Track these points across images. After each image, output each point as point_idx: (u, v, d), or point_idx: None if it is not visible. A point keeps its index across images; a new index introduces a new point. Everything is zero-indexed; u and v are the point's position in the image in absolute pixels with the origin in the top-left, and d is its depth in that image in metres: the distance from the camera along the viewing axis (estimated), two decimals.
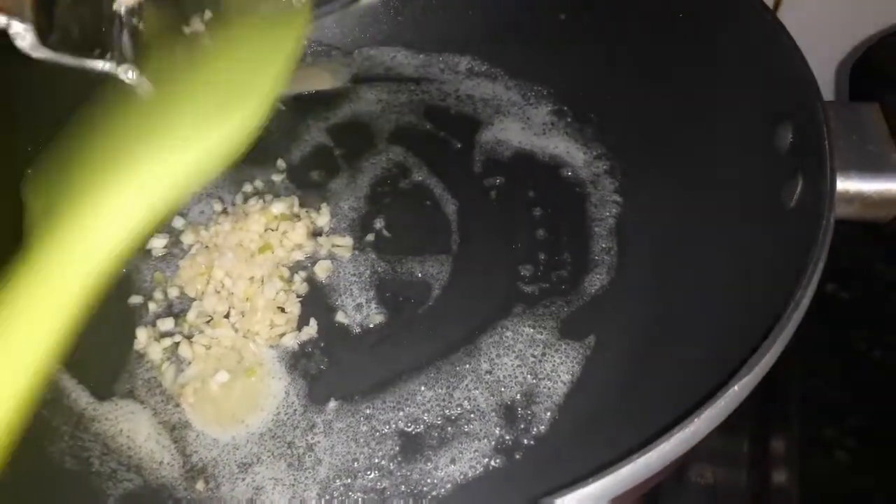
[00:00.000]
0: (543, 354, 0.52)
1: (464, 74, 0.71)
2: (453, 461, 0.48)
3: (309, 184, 0.64)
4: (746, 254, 0.48)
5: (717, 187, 0.54)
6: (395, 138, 0.67)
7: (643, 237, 0.58)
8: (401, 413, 0.50)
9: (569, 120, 0.67)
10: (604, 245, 0.59)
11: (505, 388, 0.51)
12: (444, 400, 0.50)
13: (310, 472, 0.48)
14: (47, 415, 0.48)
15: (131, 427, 0.49)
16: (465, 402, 0.50)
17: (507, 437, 0.49)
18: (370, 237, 0.59)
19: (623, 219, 0.60)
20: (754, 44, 0.50)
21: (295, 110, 0.69)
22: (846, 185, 0.44)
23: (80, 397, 0.50)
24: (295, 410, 0.50)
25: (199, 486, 0.47)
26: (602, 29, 0.64)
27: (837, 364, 0.59)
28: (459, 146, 0.66)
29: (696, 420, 0.32)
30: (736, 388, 0.33)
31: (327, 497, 0.46)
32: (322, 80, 0.71)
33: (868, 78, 0.48)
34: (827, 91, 0.69)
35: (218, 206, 0.61)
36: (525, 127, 0.67)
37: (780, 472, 0.53)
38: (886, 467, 0.55)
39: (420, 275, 0.57)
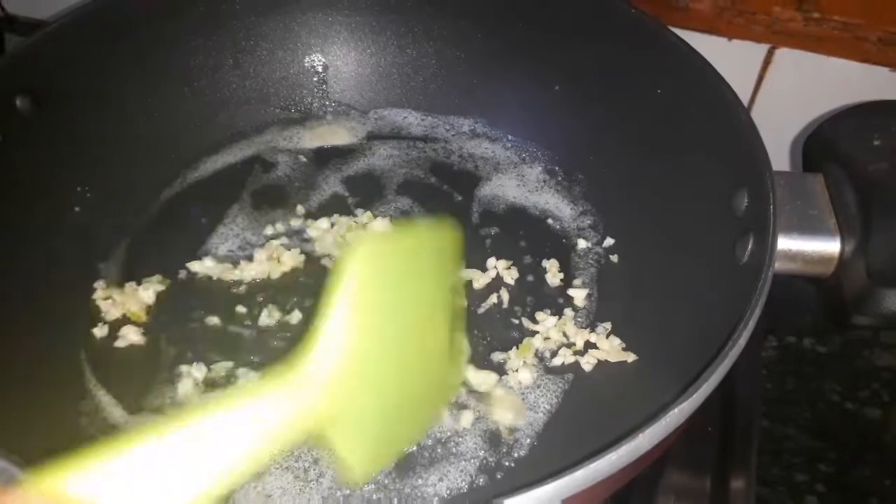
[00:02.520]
0: (527, 387, 0.59)
1: (467, 135, 0.79)
2: (441, 478, 0.54)
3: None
4: (705, 304, 0.55)
5: (686, 244, 0.60)
6: (403, 189, 0.74)
7: (619, 287, 0.65)
8: None
9: (559, 178, 0.75)
10: (584, 290, 0.65)
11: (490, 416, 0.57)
12: (436, 425, 0.56)
13: (314, 484, 0.54)
14: (85, 425, 0.55)
15: None
16: (455, 427, 0.56)
17: (491, 459, 0.55)
18: None
19: (603, 269, 0.67)
20: (721, 122, 0.58)
21: (315, 162, 0.77)
22: (788, 244, 0.50)
23: (114, 411, 0.57)
24: None
25: None
26: (591, 99, 0.72)
27: (811, 413, 0.65)
28: (460, 198, 0.74)
29: (638, 436, 0.38)
30: (675, 410, 0.39)
31: None
32: (340, 136, 0.79)
33: (818, 151, 0.55)
34: (783, 162, 0.77)
35: (242, 246, 0.69)
36: (520, 184, 0.75)
37: None
38: None
39: None
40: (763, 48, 0.75)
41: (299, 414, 0.31)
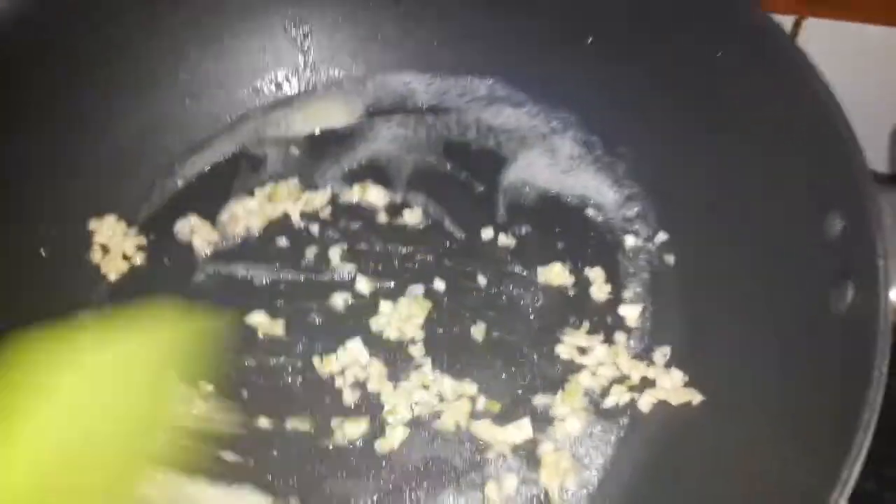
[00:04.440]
0: (576, 438, 0.51)
1: (484, 101, 0.67)
2: None
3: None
4: (792, 344, 0.45)
5: (759, 256, 0.50)
6: (415, 182, 0.63)
7: (678, 299, 0.55)
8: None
9: (598, 153, 0.63)
10: (637, 306, 0.56)
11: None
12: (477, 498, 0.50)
13: None
14: None
15: None
16: (497, 498, 0.50)
17: None
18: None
19: (657, 275, 0.57)
20: (800, 108, 0.45)
21: (308, 154, 0.66)
22: None
23: None
24: None
25: None
26: (632, 55, 0.59)
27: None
28: (482, 189, 0.62)
29: None
30: None
31: None
32: (335, 116, 0.67)
33: None
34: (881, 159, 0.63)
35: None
36: (551, 162, 0.63)
37: None
38: None
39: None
40: (789, 19, 0.63)
41: None
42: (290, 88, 0.68)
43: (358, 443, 0.52)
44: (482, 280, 0.58)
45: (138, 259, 0.60)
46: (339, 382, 0.54)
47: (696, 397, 0.51)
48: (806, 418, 0.41)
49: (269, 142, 0.67)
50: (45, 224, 0.59)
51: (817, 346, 0.43)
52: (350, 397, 0.53)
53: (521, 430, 0.52)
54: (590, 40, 0.61)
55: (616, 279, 0.57)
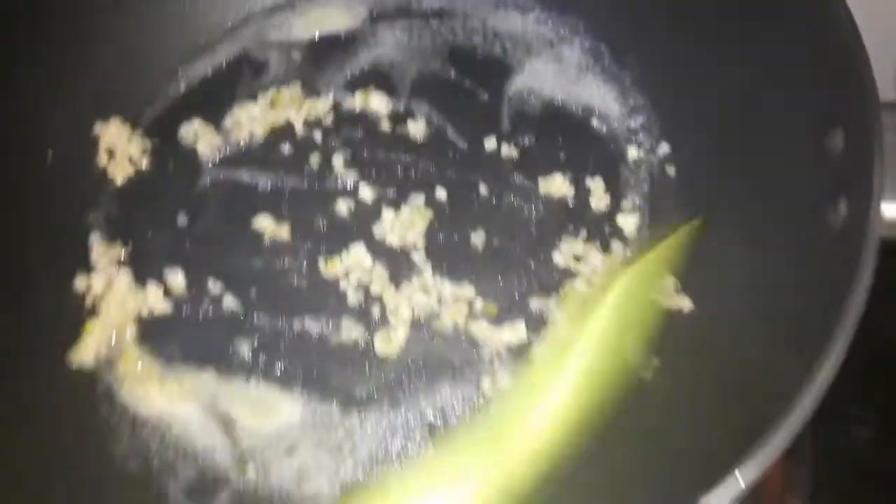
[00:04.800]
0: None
1: (490, 4, 0.66)
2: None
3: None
4: (782, 256, 0.47)
5: (760, 170, 0.50)
6: (418, 90, 0.63)
7: (675, 210, 0.56)
8: (430, 403, 0.52)
9: (606, 63, 0.62)
10: (634, 216, 0.57)
11: None
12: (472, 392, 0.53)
13: (348, 457, 0.52)
14: (106, 413, 0.52)
15: (184, 418, 0.53)
16: (491, 394, 0.52)
17: None
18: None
19: (656, 185, 0.58)
20: (808, 17, 0.45)
21: (311, 58, 0.65)
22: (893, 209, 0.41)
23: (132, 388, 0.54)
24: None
25: (250, 471, 0.51)
26: None
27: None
28: (486, 97, 0.62)
29: None
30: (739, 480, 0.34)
31: (364, 480, 0.51)
32: (337, 20, 0.67)
33: None
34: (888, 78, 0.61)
35: None
36: (558, 71, 0.63)
37: None
38: None
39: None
40: None
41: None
42: None
43: (361, 341, 0.54)
44: (484, 190, 0.59)
45: (144, 163, 0.61)
46: (343, 285, 0.56)
47: (686, 304, 0.52)
48: (793, 321, 0.42)
49: (271, 46, 0.66)
50: (50, 127, 0.59)
51: (808, 257, 0.44)
52: (354, 298, 0.55)
53: (515, 331, 0.54)
54: None
55: (616, 190, 0.58)
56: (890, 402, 0.60)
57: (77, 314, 0.55)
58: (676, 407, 0.47)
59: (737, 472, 0.34)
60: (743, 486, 0.34)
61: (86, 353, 0.54)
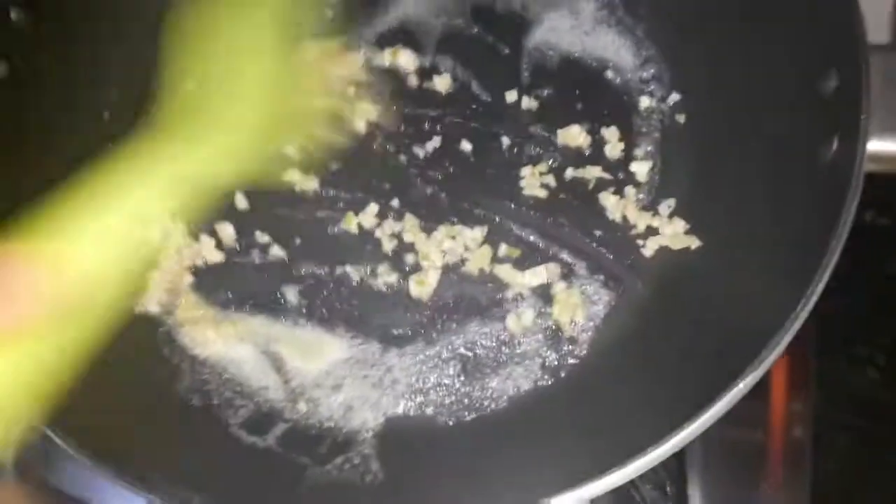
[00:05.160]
0: (584, 282, 0.58)
1: None
2: (507, 378, 0.57)
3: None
4: (781, 194, 0.51)
5: (763, 118, 0.54)
6: (444, 46, 0.67)
7: (685, 155, 0.60)
8: (461, 339, 0.58)
9: (620, 15, 0.65)
10: (647, 163, 0.61)
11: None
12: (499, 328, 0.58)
13: (389, 390, 0.57)
14: (168, 354, 0.59)
15: (239, 359, 0.59)
16: (516, 328, 0.57)
17: (553, 357, 0.57)
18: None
19: (667, 133, 0.61)
20: None
21: (342, 14, 0.69)
22: (880, 146, 0.44)
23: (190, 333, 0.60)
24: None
25: (301, 406, 0.57)
26: None
27: (869, 288, 0.62)
28: (507, 52, 0.66)
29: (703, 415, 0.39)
30: (741, 384, 0.39)
31: (405, 412, 0.57)
32: None
33: None
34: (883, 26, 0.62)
35: None
36: (574, 24, 0.66)
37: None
38: None
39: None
40: None
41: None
42: None
43: (396, 285, 0.59)
44: (506, 141, 0.63)
45: None
46: (378, 233, 0.61)
47: (694, 242, 0.57)
48: (788, 250, 0.46)
49: (304, 3, 0.70)
50: (106, 88, 0.64)
51: (803, 193, 0.48)
52: (388, 246, 0.60)
53: (537, 275, 0.59)
54: None
55: (629, 138, 0.62)
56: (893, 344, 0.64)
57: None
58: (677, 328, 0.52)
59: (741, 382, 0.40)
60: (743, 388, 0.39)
61: (150, 301, 0.59)
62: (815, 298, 0.41)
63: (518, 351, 0.57)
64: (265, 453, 0.54)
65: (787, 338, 0.40)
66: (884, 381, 0.62)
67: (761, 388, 0.58)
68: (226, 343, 0.59)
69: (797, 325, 0.42)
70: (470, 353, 0.57)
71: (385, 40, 0.67)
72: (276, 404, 0.57)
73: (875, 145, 0.44)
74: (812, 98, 0.48)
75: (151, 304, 0.60)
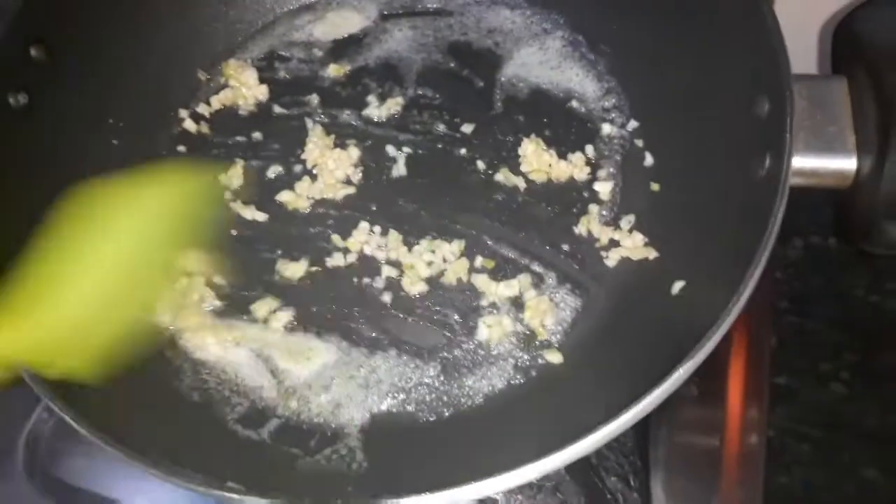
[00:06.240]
0: (553, 290, 0.64)
1: (484, 4, 0.76)
2: (482, 378, 0.62)
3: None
4: (726, 206, 0.57)
5: (709, 140, 0.61)
6: (423, 78, 0.73)
7: (643, 175, 0.66)
8: (442, 340, 0.63)
9: (583, 51, 0.72)
10: (609, 183, 0.67)
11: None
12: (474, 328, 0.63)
13: (374, 390, 0.62)
14: (170, 356, 0.63)
15: (236, 361, 0.63)
16: (492, 334, 0.63)
17: (525, 358, 0.62)
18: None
19: (627, 156, 0.68)
20: (741, 13, 0.55)
21: (330, 54, 0.76)
22: (805, 162, 0.51)
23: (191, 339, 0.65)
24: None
25: (293, 404, 0.62)
26: None
27: (835, 308, 0.68)
28: (482, 84, 0.73)
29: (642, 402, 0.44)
30: (680, 370, 0.44)
31: (388, 409, 0.61)
32: (352, 22, 0.77)
33: (845, 48, 0.52)
34: (811, 52, 0.69)
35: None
36: (542, 60, 0.73)
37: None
38: (877, 397, 0.65)
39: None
40: None
41: None
42: None
43: (383, 294, 0.65)
44: (481, 164, 0.69)
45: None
46: (366, 249, 0.67)
47: (652, 253, 0.63)
48: (727, 260, 0.52)
49: (296, 44, 0.76)
50: (114, 118, 0.70)
51: (743, 205, 0.54)
52: (375, 259, 0.66)
53: (510, 287, 0.64)
54: None
55: (593, 161, 0.68)
56: (860, 361, 0.68)
57: None
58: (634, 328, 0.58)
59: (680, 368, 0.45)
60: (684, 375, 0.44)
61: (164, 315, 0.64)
62: (745, 296, 0.47)
63: (493, 353, 0.62)
64: (260, 445, 0.58)
65: (717, 335, 0.45)
66: (849, 396, 0.66)
67: (719, 395, 0.64)
68: (223, 347, 0.64)
69: (728, 322, 0.47)
70: (449, 356, 0.63)
71: (368, 73, 0.74)
72: (270, 402, 0.62)
73: (799, 161, 0.50)
74: (748, 123, 0.54)
75: (168, 318, 0.64)
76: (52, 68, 0.64)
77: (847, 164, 0.50)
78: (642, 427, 0.63)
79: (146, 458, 0.46)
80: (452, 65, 0.74)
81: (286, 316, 0.64)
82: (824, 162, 0.51)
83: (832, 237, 0.69)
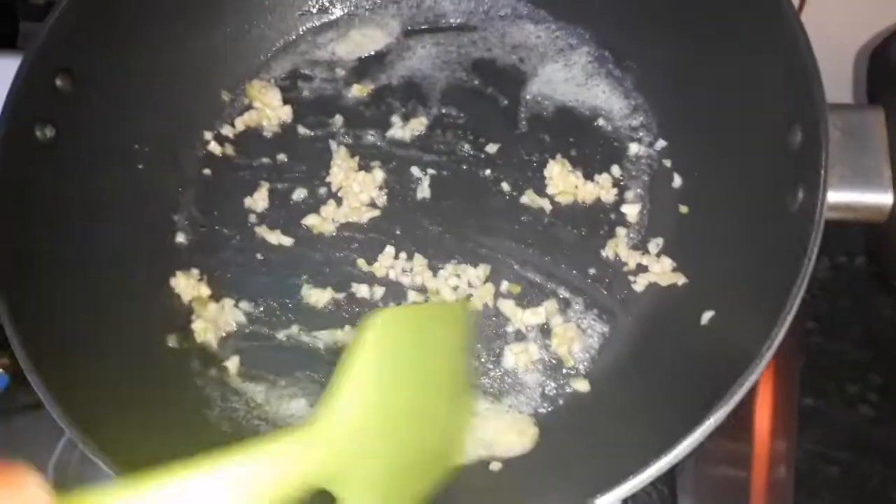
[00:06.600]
0: (580, 316, 0.63)
1: (508, 19, 0.74)
2: (510, 408, 0.61)
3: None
4: (757, 235, 0.56)
5: (740, 164, 0.59)
6: (447, 97, 0.73)
7: (671, 197, 0.65)
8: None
9: (610, 67, 0.71)
10: (637, 205, 0.66)
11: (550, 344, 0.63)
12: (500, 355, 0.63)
13: None
14: (201, 384, 0.64)
15: (264, 391, 0.64)
16: (518, 362, 0.62)
17: (552, 386, 0.61)
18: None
19: (655, 176, 0.66)
20: (774, 39, 0.53)
21: (353, 73, 0.75)
22: (840, 196, 0.49)
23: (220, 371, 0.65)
24: None
25: None
26: None
27: (863, 329, 0.67)
28: (506, 103, 0.71)
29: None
30: (711, 420, 0.44)
31: None
32: (375, 40, 0.76)
33: (880, 75, 0.50)
34: (847, 76, 0.67)
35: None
36: (568, 77, 0.71)
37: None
38: None
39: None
40: None
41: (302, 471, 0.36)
42: (333, 12, 0.77)
43: None
44: (506, 186, 0.68)
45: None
46: (391, 274, 0.67)
47: (681, 279, 0.62)
48: (759, 290, 0.51)
49: (319, 63, 0.76)
50: (140, 143, 0.70)
51: (774, 236, 0.53)
52: (402, 284, 0.66)
53: (536, 314, 0.64)
54: None
55: (620, 182, 0.67)
56: (885, 384, 0.67)
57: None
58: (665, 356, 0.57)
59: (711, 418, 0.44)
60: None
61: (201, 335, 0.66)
62: (782, 333, 0.46)
63: (520, 380, 0.62)
64: None
65: (749, 381, 0.45)
66: (876, 418, 0.65)
67: (747, 423, 0.64)
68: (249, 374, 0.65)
69: (767, 357, 0.47)
70: (475, 383, 0.62)
71: (392, 92, 0.74)
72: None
73: (833, 196, 0.49)
74: (781, 151, 0.53)
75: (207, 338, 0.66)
76: (77, 98, 0.64)
77: (883, 199, 0.49)
78: None
79: None
80: (476, 82, 0.73)
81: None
82: (859, 197, 0.49)
83: (859, 257, 0.68)
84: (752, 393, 0.61)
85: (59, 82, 0.63)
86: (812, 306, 0.67)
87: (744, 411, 0.63)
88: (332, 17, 0.77)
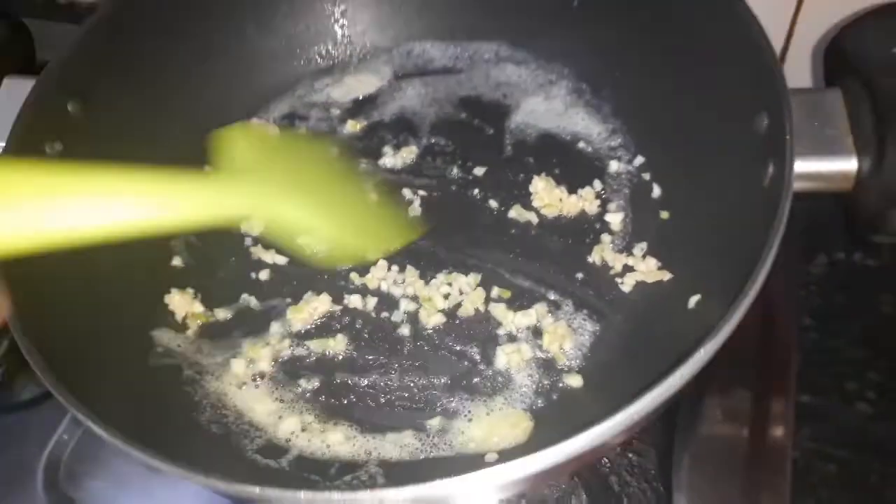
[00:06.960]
0: (570, 316, 0.64)
1: (491, 61, 0.80)
2: (504, 403, 0.61)
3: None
4: (735, 223, 0.58)
5: (714, 164, 0.63)
6: (436, 129, 0.77)
7: (652, 205, 0.68)
8: (461, 369, 0.63)
9: (587, 98, 0.76)
10: (620, 214, 0.69)
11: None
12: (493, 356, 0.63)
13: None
14: (191, 392, 0.63)
15: (253, 398, 0.63)
16: (511, 361, 0.63)
17: (546, 383, 0.61)
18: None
19: (635, 189, 0.70)
20: (736, 40, 0.58)
21: (347, 112, 0.80)
22: (807, 166, 0.53)
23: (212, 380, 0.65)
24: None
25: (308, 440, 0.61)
26: (610, 14, 0.73)
27: (861, 326, 0.68)
28: (492, 132, 0.76)
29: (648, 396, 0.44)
30: (701, 351, 0.44)
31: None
32: (368, 83, 0.82)
33: (837, 62, 0.55)
34: (805, 67, 0.74)
35: None
36: (549, 108, 0.76)
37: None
38: None
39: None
40: None
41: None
42: (329, 60, 0.83)
43: (405, 326, 0.65)
44: (493, 203, 0.72)
45: None
46: (383, 286, 0.68)
47: (666, 276, 0.64)
48: (740, 267, 0.53)
49: (315, 105, 0.81)
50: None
51: (752, 215, 0.55)
52: (394, 294, 0.67)
53: (527, 316, 0.65)
54: (575, 3, 0.74)
55: (602, 194, 0.70)
56: (883, 381, 0.67)
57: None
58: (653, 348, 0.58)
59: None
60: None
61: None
62: (748, 301, 0.47)
63: (513, 379, 0.62)
64: (279, 472, 0.57)
65: (716, 340, 0.45)
66: (874, 415, 0.65)
67: (742, 419, 0.63)
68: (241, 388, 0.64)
69: (731, 325, 0.47)
70: (468, 384, 0.62)
71: (383, 127, 0.78)
72: (286, 437, 0.61)
73: (801, 165, 0.52)
74: (750, 138, 0.57)
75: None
76: (84, 121, 0.68)
77: (848, 164, 0.52)
78: (665, 451, 0.62)
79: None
80: (463, 115, 0.78)
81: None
82: (826, 164, 0.52)
83: (857, 253, 0.69)
84: (748, 389, 0.62)
85: (70, 107, 0.67)
86: (809, 303, 0.68)
87: (740, 407, 0.63)
88: (329, 65, 0.83)
